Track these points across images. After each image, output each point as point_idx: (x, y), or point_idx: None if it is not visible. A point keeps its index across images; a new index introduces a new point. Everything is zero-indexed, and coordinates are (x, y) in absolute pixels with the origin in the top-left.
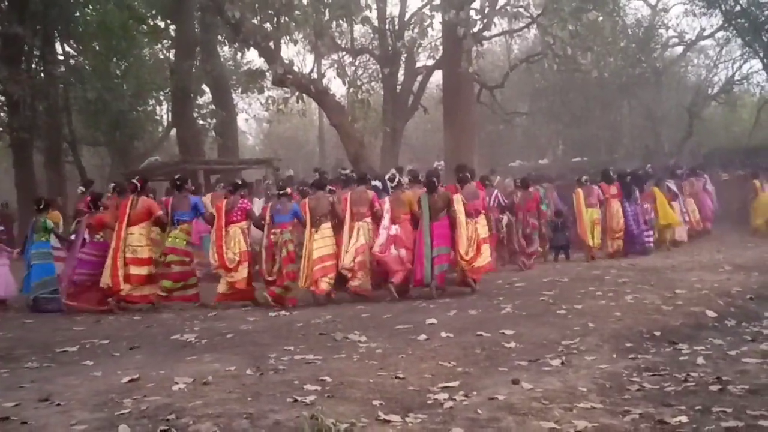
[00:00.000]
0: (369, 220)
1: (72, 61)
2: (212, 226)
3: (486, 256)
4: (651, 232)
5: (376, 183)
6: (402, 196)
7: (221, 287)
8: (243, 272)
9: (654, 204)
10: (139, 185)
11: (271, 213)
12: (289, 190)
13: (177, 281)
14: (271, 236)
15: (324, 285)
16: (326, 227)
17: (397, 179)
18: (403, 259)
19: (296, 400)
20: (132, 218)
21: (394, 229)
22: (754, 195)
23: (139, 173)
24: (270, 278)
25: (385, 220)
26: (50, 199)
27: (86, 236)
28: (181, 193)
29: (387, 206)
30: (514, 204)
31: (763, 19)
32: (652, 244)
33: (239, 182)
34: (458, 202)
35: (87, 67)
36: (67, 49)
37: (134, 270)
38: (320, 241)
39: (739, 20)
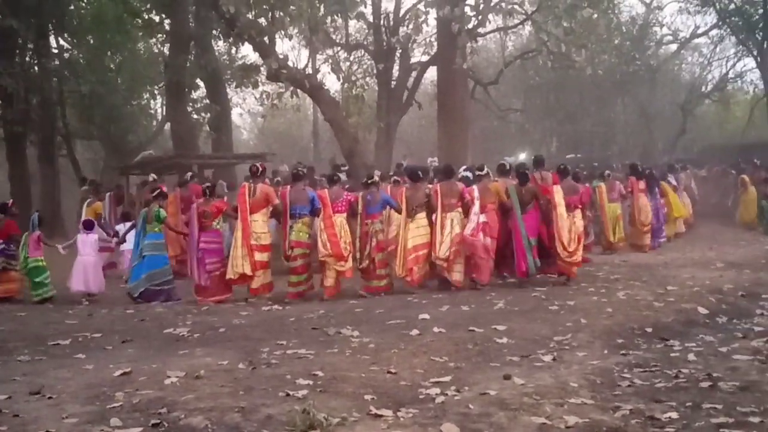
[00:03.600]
0: (459, 210)
1: (66, 55)
2: (318, 218)
3: (581, 250)
4: (664, 227)
5: (467, 174)
6: (490, 185)
7: (330, 280)
8: (350, 262)
9: (666, 198)
10: (260, 170)
11: (363, 203)
12: (377, 177)
13: (302, 274)
14: (365, 226)
15: (417, 275)
16: (421, 217)
17: (486, 170)
18: (488, 247)
19: (288, 395)
20: (252, 206)
21: (482, 217)
22: (743, 189)
23: (133, 167)
24: (362, 266)
25: (476, 207)
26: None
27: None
28: (298, 186)
29: (476, 194)
30: None
31: (756, 17)
32: (665, 239)
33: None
34: (558, 193)
35: (81, 61)
36: (62, 42)
37: (258, 257)
38: (415, 231)
39: (733, 18)
